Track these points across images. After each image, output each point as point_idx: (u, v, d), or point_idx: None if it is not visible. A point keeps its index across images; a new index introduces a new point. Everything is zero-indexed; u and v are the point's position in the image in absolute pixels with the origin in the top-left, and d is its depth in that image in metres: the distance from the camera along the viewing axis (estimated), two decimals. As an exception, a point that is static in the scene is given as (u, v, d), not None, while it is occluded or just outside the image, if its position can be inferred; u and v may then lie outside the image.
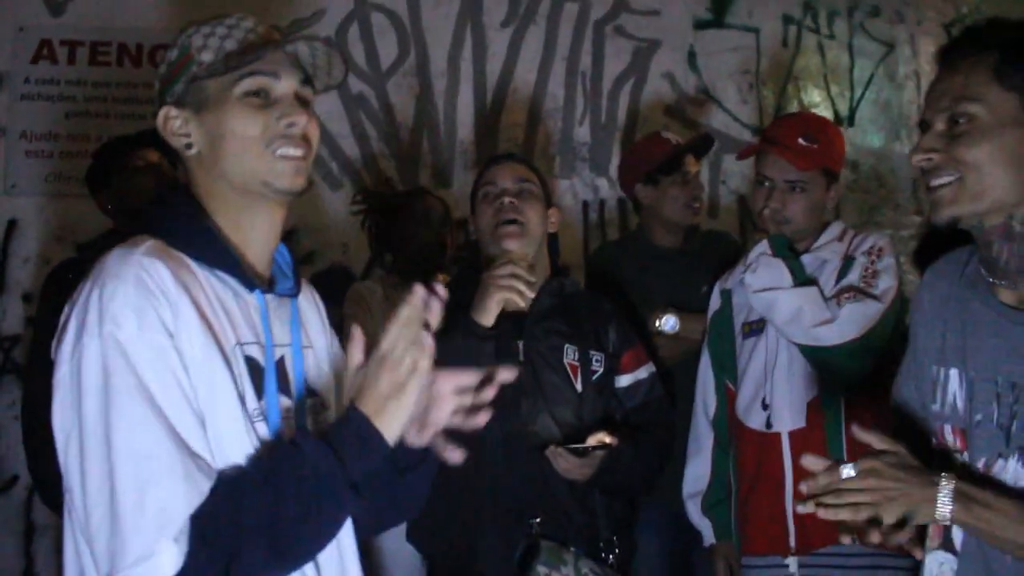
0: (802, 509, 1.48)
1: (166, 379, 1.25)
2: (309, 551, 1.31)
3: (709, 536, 2.69)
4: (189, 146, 1.42)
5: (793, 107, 4.43)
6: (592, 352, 2.40)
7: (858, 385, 2.42)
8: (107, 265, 1.29)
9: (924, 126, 1.55)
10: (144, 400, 1.23)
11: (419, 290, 1.34)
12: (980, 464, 1.54)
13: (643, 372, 2.50)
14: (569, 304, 2.44)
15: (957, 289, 1.63)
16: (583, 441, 2.26)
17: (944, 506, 1.41)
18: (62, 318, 1.31)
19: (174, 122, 1.42)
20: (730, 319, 2.68)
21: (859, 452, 2.30)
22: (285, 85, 1.41)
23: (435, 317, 1.36)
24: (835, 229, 2.59)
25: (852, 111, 4.53)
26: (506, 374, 1.48)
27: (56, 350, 1.30)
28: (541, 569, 2.15)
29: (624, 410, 2.46)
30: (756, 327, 2.59)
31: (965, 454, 1.58)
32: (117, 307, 1.25)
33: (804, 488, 1.50)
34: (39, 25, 3.81)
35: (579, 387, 2.36)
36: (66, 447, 1.25)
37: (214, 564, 1.20)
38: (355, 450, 1.28)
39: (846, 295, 2.39)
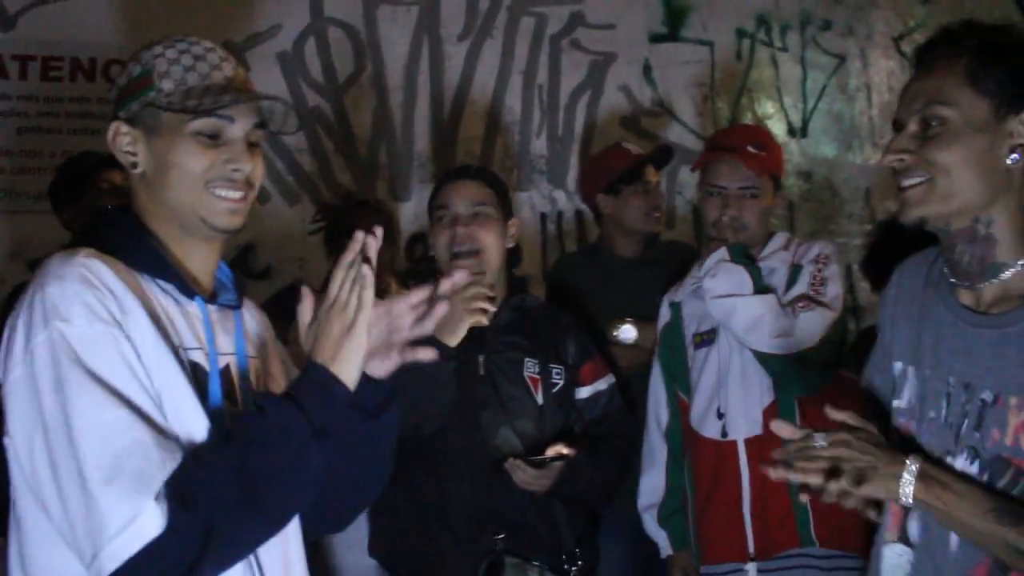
0: (773, 475, 1.49)
1: (119, 368, 1.27)
2: (287, 504, 1.33)
3: (666, 547, 2.71)
4: (135, 165, 1.45)
5: (747, 119, 4.49)
6: (552, 365, 2.41)
7: (811, 391, 2.45)
8: (47, 269, 1.31)
9: (897, 126, 1.57)
10: (100, 386, 1.24)
11: (359, 234, 1.40)
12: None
13: (602, 384, 2.51)
14: (529, 318, 2.46)
15: (921, 288, 1.66)
16: (543, 453, 2.27)
17: (907, 483, 1.44)
18: (6, 329, 1.33)
19: (123, 139, 1.44)
20: (681, 331, 2.71)
21: None
22: (238, 128, 1.44)
23: (373, 254, 1.40)
24: (780, 239, 2.64)
25: (805, 122, 4.60)
26: (459, 276, 1.55)
27: (5, 360, 1.31)
28: None
29: (584, 421, 2.47)
30: (707, 337, 2.62)
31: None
32: (62, 303, 1.26)
33: (776, 453, 1.50)
34: (-10, 39, 3.77)
35: (540, 400, 2.37)
36: (31, 449, 1.25)
37: (194, 527, 1.21)
38: (316, 398, 1.31)
39: (800, 304, 2.43)
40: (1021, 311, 1.48)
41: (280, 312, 1.85)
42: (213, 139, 1.43)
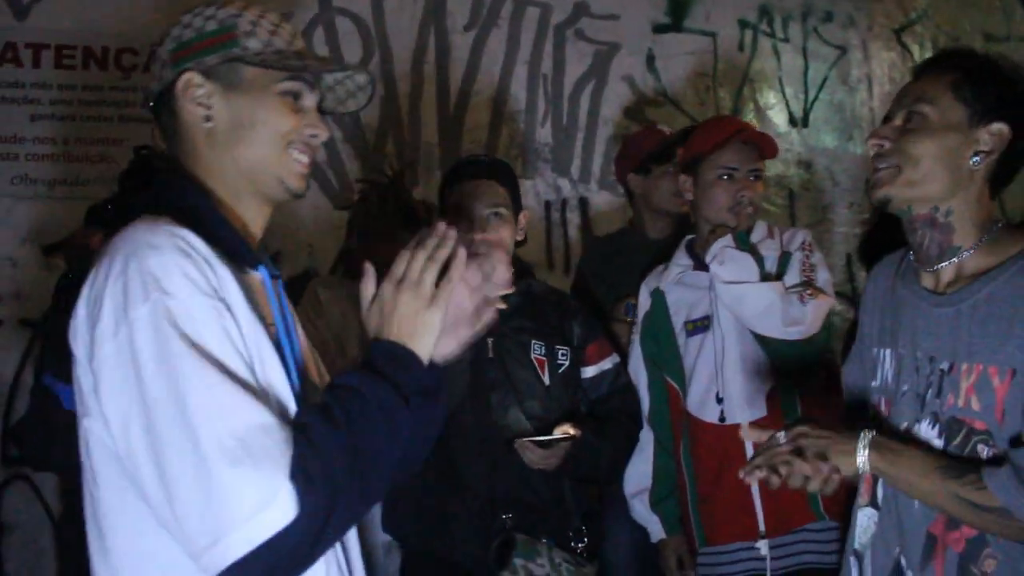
0: (743, 476, 1.69)
1: (225, 343, 1.21)
2: (385, 481, 1.27)
3: (658, 532, 2.76)
4: (208, 119, 1.39)
5: (749, 109, 4.55)
6: (558, 347, 2.50)
7: (810, 374, 2.55)
8: (135, 238, 1.23)
9: (886, 119, 1.76)
10: (212, 362, 1.18)
11: (440, 224, 1.37)
12: (902, 427, 1.73)
13: (607, 363, 2.59)
14: (535, 302, 2.53)
15: (892, 281, 1.83)
16: (550, 433, 2.35)
17: (861, 454, 1.63)
18: (85, 304, 1.24)
19: (197, 90, 1.39)
20: (666, 318, 2.74)
21: None
22: (313, 97, 1.46)
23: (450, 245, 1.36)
24: (763, 227, 2.69)
25: (806, 112, 4.65)
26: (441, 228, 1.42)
27: (84, 332, 1.23)
28: (518, 562, 2.26)
29: (590, 401, 2.55)
30: (701, 324, 2.67)
31: (887, 422, 1.77)
32: (163, 274, 1.19)
33: (750, 469, 1.69)
34: (3, 28, 3.82)
35: (547, 380, 2.45)
36: (126, 429, 1.18)
37: (320, 509, 1.15)
38: (402, 375, 1.27)
39: (808, 292, 2.49)
40: (970, 288, 1.65)
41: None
42: (296, 103, 1.42)
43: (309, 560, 1.18)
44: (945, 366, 1.66)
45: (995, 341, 1.59)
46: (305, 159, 1.43)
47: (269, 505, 1.12)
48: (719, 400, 2.60)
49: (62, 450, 1.80)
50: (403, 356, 1.29)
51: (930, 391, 1.68)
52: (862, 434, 1.65)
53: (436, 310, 1.32)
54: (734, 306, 2.56)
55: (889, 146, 1.70)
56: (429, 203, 3.22)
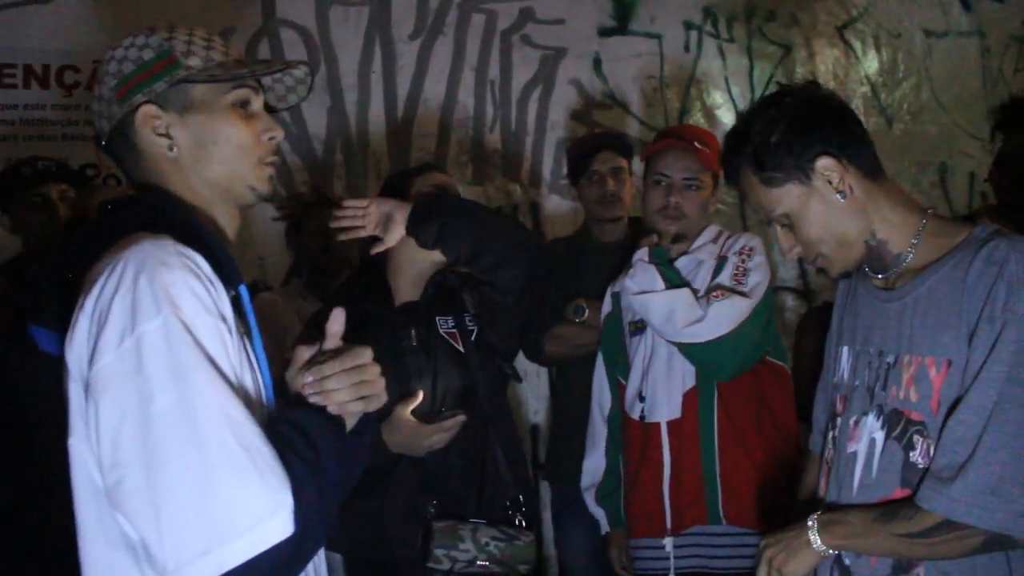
0: None
1: (225, 362, 1.24)
2: (333, 517, 1.33)
3: (604, 525, 2.83)
4: (171, 148, 1.42)
5: (696, 109, 4.59)
6: (465, 316, 2.51)
7: (732, 375, 2.56)
8: (143, 253, 1.24)
9: (770, 227, 1.84)
10: (219, 376, 1.21)
11: (334, 323, 1.42)
12: (851, 421, 1.78)
13: None
14: (447, 289, 2.54)
15: (853, 284, 1.90)
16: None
17: (815, 541, 1.70)
18: (85, 313, 1.24)
19: (155, 121, 1.42)
20: (619, 319, 2.82)
21: (728, 438, 2.51)
22: (260, 100, 1.49)
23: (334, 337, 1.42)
24: (711, 231, 2.75)
25: (753, 112, 4.69)
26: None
27: (83, 344, 1.23)
28: (438, 552, 2.24)
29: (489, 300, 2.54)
30: (640, 326, 2.73)
31: (841, 417, 1.82)
32: (175, 290, 1.21)
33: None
34: (-58, 49, 3.79)
35: (462, 348, 2.46)
36: (116, 440, 1.17)
37: (308, 528, 1.20)
38: (334, 439, 1.33)
39: (714, 294, 2.53)
40: (913, 283, 1.70)
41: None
42: (246, 111, 1.46)
43: None
44: (891, 359, 1.71)
45: (933, 333, 1.64)
46: (273, 160, 1.49)
47: (272, 516, 1.16)
48: (642, 399, 2.65)
49: None
50: (331, 427, 1.34)
51: (878, 384, 1.73)
52: (810, 521, 1.71)
53: (352, 416, 1.39)
54: (643, 315, 2.63)
55: (799, 248, 1.78)
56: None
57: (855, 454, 1.75)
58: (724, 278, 2.58)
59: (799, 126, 1.72)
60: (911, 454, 1.65)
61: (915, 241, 1.71)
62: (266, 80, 1.53)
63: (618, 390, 2.80)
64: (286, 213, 3.47)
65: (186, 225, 1.36)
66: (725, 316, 2.49)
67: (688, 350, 2.54)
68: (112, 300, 1.21)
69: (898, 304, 1.72)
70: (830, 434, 1.86)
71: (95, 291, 1.23)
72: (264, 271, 3.93)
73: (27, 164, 2.98)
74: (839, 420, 1.83)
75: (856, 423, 1.76)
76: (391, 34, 4.26)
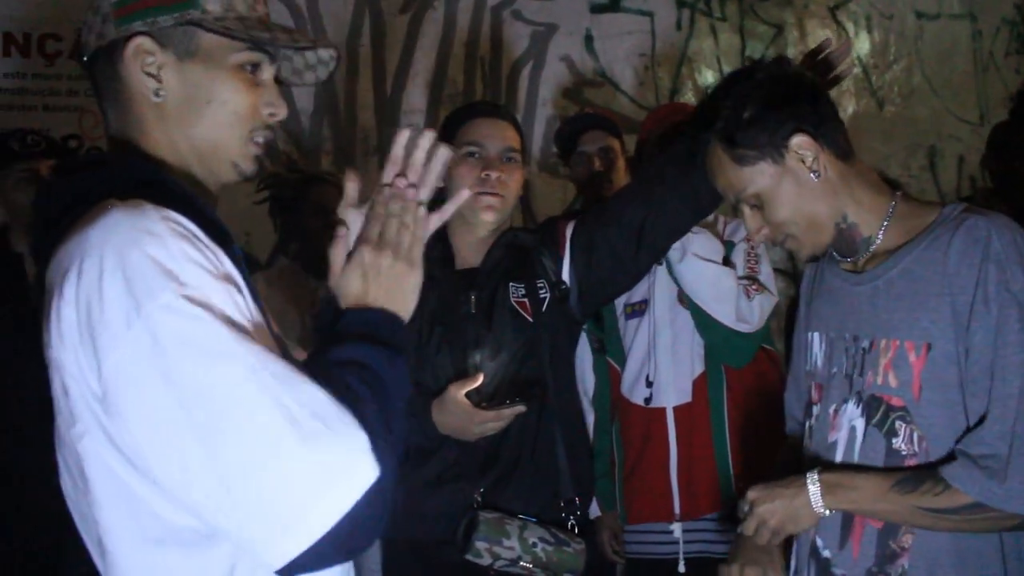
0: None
1: (248, 324, 1.12)
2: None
3: (595, 509, 2.75)
4: (158, 92, 1.25)
5: (688, 88, 4.56)
6: (537, 282, 2.32)
7: (741, 363, 2.57)
8: (121, 225, 1.10)
9: (737, 208, 1.77)
10: (251, 341, 1.10)
11: (400, 180, 1.31)
12: (831, 410, 1.74)
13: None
14: (517, 250, 2.37)
15: (821, 270, 1.86)
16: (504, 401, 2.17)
17: (816, 498, 1.63)
18: (65, 299, 1.09)
19: (147, 57, 1.24)
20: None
21: (738, 423, 2.48)
22: (272, 70, 1.32)
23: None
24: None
25: (744, 91, 4.66)
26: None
27: (73, 336, 1.09)
28: (479, 544, 2.08)
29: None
30: (638, 308, 2.69)
31: (818, 406, 1.78)
32: (173, 263, 1.08)
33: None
34: (-80, 15, 3.71)
35: (531, 320, 2.27)
36: (155, 431, 1.06)
37: (388, 467, 1.11)
38: (396, 338, 1.23)
39: (754, 288, 2.51)
40: (885, 265, 1.67)
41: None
42: (253, 77, 1.29)
43: (384, 519, 1.11)
44: (866, 344, 1.67)
45: (910, 316, 1.60)
46: (264, 139, 1.31)
47: (356, 465, 1.07)
48: (649, 383, 2.62)
49: None
50: (394, 323, 1.24)
51: (855, 371, 1.69)
52: (809, 481, 1.64)
53: (417, 271, 1.28)
54: (693, 280, 2.50)
55: (767, 230, 1.71)
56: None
57: (835, 443, 1.71)
58: (739, 264, 2.55)
59: (773, 102, 1.65)
60: (894, 440, 1.62)
61: (885, 224, 1.68)
62: (287, 50, 1.35)
63: (608, 373, 2.77)
64: (262, 190, 3.38)
65: (163, 184, 1.19)
66: (764, 311, 2.50)
67: (712, 329, 2.51)
68: (100, 283, 1.06)
69: (869, 287, 1.68)
70: (807, 423, 1.82)
71: (72, 276, 1.08)
72: (251, 246, 3.88)
73: (15, 138, 2.91)
74: (815, 408, 1.78)
75: (836, 411, 1.72)
76: (381, 7, 4.20)
